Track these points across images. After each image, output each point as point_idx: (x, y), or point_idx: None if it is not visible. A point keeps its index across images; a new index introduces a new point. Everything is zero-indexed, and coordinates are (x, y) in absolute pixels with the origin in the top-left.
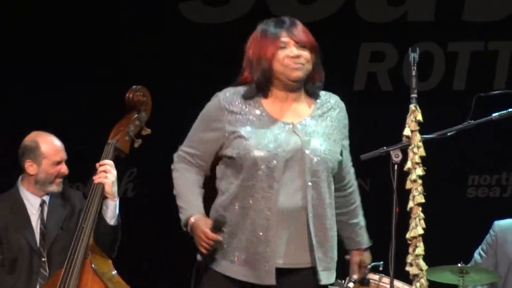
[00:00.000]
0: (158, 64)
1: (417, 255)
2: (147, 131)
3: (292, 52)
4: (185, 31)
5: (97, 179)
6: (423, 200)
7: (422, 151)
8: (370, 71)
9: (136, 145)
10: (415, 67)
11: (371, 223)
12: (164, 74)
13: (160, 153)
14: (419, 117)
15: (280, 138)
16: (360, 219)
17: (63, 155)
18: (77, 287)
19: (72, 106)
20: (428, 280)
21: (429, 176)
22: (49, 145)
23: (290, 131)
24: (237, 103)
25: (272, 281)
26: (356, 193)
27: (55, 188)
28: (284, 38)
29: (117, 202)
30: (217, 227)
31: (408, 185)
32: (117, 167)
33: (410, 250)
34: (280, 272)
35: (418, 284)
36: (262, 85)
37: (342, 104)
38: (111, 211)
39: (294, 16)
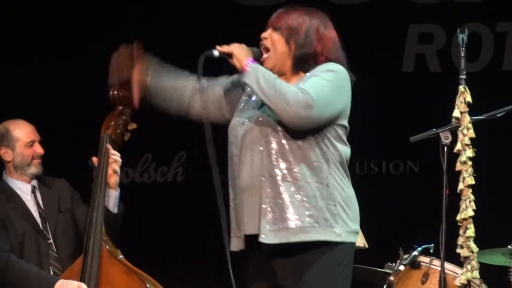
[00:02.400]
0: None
1: (467, 237)
2: (132, 126)
3: (263, 34)
4: (233, 13)
5: (112, 166)
6: (473, 182)
7: (471, 133)
8: (419, 52)
9: (126, 138)
10: (463, 48)
11: (421, 205)
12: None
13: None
14: (468, 98)
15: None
16: None
17: (35, 136)
18: (98, 271)
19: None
20: (479, 262)
21: (479, 158)
22: (19, 128)
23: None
24: None
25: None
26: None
27: (34, 170)
28: (266, 27)
29: (118, 192)
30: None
31: (458, 167)
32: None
33: (461, 232)
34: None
35: (469, 266)
36: None
37: (327, 64)
38: (113, 200)
39: None
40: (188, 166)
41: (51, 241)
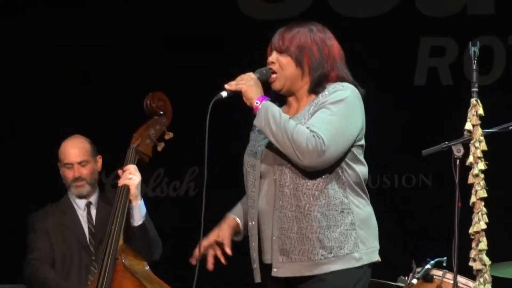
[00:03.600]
0: (219, 60)
1: (480, 250)
2: (169, 135)
3: (269, 59)
4: (245, 28)
5: (121, 181)
6: (485, 195)
7: (483, 146)
8: (431, 65)
9: (159, 148)
10: (475, 61)
11: (433, 218)
12: (226, 70)
13: (222, 151)
14: (481, 111)
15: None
16: None
17: (74, 158)
18: (111, 285)
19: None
20: (492, 275)
21: (491, 170)
22: (63, 148)
23: None
24: None
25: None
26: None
27: (75, 191)
28: (269, 48)
29: (141, 203)
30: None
31: (470, 179)
32: (142, 171)
33: (473, 245)
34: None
35: (481, 279)
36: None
37: (336, 88)
38: (137, 214)
39: (354, 12)
40: (201, 181)
41: (95, 258)
